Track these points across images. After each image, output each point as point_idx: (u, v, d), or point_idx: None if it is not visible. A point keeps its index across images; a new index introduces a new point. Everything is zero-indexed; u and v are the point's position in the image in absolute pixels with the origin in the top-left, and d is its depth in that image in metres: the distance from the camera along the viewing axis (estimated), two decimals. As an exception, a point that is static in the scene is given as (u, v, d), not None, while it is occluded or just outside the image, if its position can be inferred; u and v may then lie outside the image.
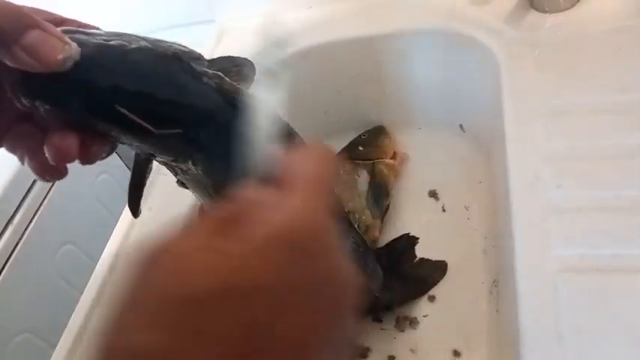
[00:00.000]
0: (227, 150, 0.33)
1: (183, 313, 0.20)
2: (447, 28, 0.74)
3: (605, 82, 0.58)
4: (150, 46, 0.37)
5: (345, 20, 0.81)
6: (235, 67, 0.43)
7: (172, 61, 0.37)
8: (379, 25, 0.78)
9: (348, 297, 0.25)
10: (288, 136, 0.40)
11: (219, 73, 0.40)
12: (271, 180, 0.26)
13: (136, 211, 0.47)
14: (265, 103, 0.31)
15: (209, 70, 0.39)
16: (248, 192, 0.25)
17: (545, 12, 0.68)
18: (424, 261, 0.72)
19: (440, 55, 0.77)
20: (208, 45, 0.88)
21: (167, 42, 0.38)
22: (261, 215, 0.23)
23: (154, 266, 0.21)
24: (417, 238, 0.73)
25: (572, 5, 0.67)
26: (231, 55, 0.44)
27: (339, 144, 0.85)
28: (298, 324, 0.21)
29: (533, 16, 0.69)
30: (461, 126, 0.84)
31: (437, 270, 0.71)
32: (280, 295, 0.21)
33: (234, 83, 0.40)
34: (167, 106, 0.37)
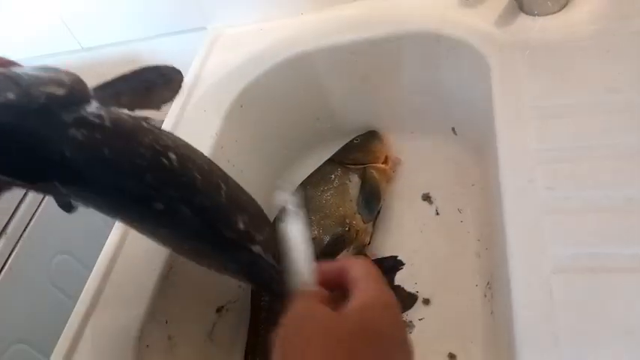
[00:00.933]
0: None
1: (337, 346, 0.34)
2: (437, 32, 0.74)
3: (595, 84, 0.59)
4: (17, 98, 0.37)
5: (336, 26, 0.82)
6: (162, 77, 0.44)
7: (36, 116, 0.37)
8: (370, 30, 0.79)
9: (411, 347, 0.38)
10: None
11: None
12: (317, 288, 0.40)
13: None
14: (295, 232, 0.42)
15: (84, 113, 0.39)
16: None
17: (534, 15, 0.68)
18: (399, 289, 0.71)
19: (431, 58, 0.78)
20: (200, 52, 0.88)
21: (43, 83, 0.38)
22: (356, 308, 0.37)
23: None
24: (403, 265, 0.73)
25: (561, 8, 0.67)
26: (159, 65, 0.45)
27: (331, 149, 0.86)
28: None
29: (523, 19, 0.69)
30: (453, 129, 0.84)
31: (406, 300, 0.70)
32: (380, 338, 0.36)
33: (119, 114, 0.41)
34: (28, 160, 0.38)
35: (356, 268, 0.39)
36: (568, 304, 0.44)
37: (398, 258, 0.74)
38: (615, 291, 0.44)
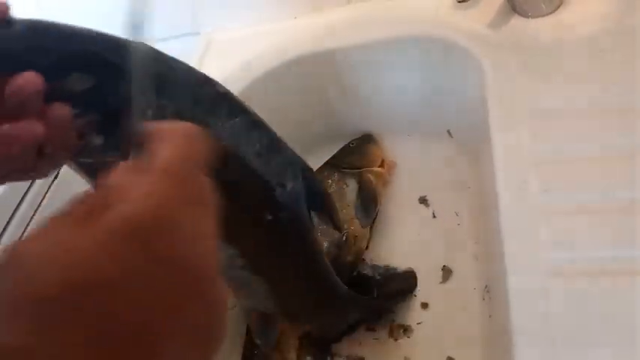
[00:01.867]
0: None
1: (35, 312, 0.21)
2: (431, 34, 0.74)
3: (589, 85, 0.59)
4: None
5: (330, 30, 0.82)
6: None
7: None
8: (364, 33, 0.78)
9: (199, 285, 0.25)
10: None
11: None
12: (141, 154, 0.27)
13: None
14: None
15: None
16: (114, 175, 0.26)
17: (527, 17, 0.68)
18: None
19: (425, 61, 0.78)
20: (194, 58, 0.88)
21: None
22: (114, 204, 0.23)
23: (7, 267, 0.22)
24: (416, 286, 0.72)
25: (555, 10, 0.67)
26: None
27: (327, 153, 0.85)
28: (142, 312, 0.22)
29: (516, 21, 0.69)
30: (448, 131, 0.84)
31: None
32: (122, 285, 0.22)
33: None
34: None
35: (163, 145, 0.27)
36: (565, 308, 0.44)
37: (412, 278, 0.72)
38: (612, 294, 0.44)
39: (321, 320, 0.66)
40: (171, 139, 0.27)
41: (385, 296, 0.70)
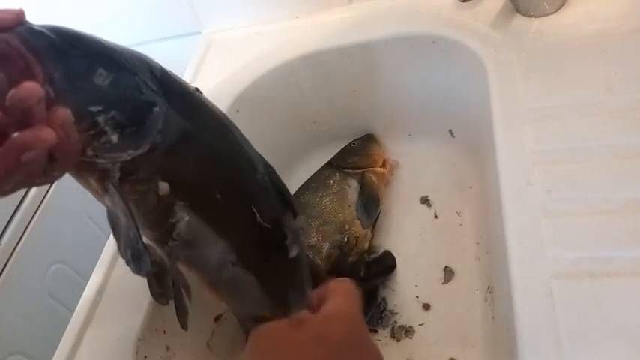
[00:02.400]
0: None
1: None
2: (433, 34, 0.74)
3: (592, 85, 0.58)
4: None
5: (331, 29, 0.81)
6: None
7: None
8: (366, 33, 0.78)
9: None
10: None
11: None
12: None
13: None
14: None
15: None
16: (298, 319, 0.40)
17: (530, 16, 0.68)
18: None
19: (427, 60, 0.77)
20: (195, 57, 0.88)
21: None
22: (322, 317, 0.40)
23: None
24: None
25: (558, 9, 0.67)
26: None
27: (329, 153, 0.85)
28: None
29: (519, 20, 0.69)
30: (450, 131, 0.84)
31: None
32: (342, 348, 0.37)
33: None
34: None
35: (334, 287, 0.43)
36: (569, 309, 0.44)
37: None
38: (616, 294, 0.43)
39: None
40: (342, 288, 0.43)
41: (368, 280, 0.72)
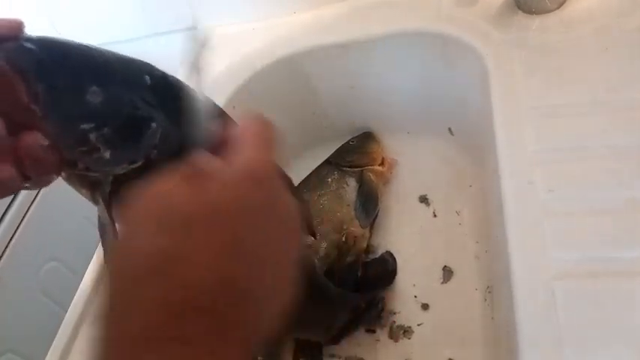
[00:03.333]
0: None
1: (181, 228, 0.26)
2: (433, 30, 0.73)
3: (594, 83, 0.58)
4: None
5: (329, 25, 0.80)
6: None
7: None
8: (364, 28, 0.77)
9: (297, 224, 0.33)
10: (221, 115, 0.40)
11: None
12: (216, 148, 0.33)
13: None
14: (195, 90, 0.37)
15: None
16: (202, 157, 0.31)
17: (531, 13, 0.67)
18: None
19: (426, 57, 0.77)
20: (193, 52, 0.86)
21: None
22: (224, 166, 0.30)
23: (149, 200, 0.28)
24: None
25: (559, 6, 0.66)
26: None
27: (327, 150, 0.84)
28: (262, 242, 0.29)
29: (520, 17, 0.68)
30: (449, 129, 0.83)
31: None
32: (249, 218, 0.28)
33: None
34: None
35: (247, 129, 0.33)
36: (571, 310, 0.43)
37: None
38: (619, 295, 0.43)
39: (311, 322, 0.64)
40: (255, 126, 0.33)
41: (367, 283, 0.70)
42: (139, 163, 0.35)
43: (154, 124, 0.35)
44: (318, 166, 0.82)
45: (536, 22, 0.67)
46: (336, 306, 0.64)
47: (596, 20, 0.64)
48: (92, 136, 0.32)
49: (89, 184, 0.36)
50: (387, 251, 0.74)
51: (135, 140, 0.35)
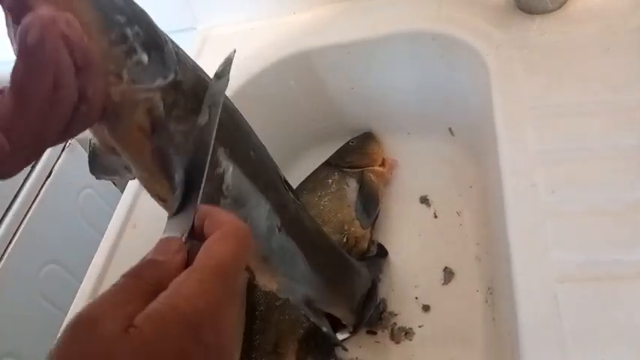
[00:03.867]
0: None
1: None
2: (433, 30, 0.73)
3: (595, 83, 0.57)
4: None
5: (329, 26, 0.80)
6: None
7: None
8: (365, 29, 0.77)
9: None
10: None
11: None
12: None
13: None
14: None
15: None
16: (166, 256, 0.30)
17: (532, 13, 0.67)
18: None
19: (427, 58, 0.76)
20: (190, 53, 0.86)
21: None
22: (170, 296, 0.27)
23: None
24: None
25: (560, 6, 0.66)
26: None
27: (327, 151, 0.84)
28: None
29: (521, 17, 0.68)
30: (450, 130, 0.83)
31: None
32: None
33: None
34: None
35: (211, 244, 0.30)
36: (574, 313, 0.43)
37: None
38: (622, 298, 0.43)
39: (343, 298, 0.64)
40: (226, 239, 0.31)
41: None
42: (171, 79, 0.38)
43: (168, 46, 0.38)
44: (319, 167, 0.82)
45: (536, 22, 0.66)
46: (354, 278, 0.64)
47: (597, 20, 0.63)
48: (128, 32, 0.35)
49: (142, 108, 0.37)
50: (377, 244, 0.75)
51: (160, 50, 0.37)
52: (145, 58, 0.35)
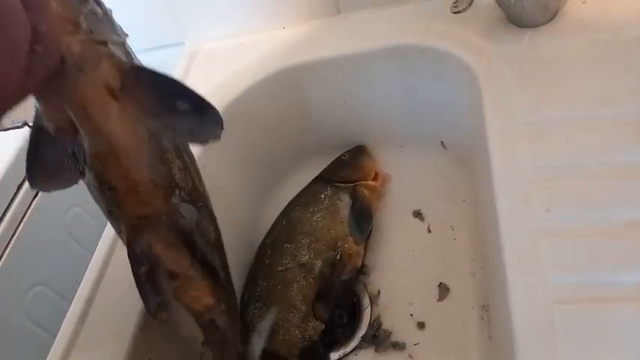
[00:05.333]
0: None
1: None
2: (424, 44, 0.72)
3: (587, 97, 0.57)
4: None
5: (319, 40, 0.79)
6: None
7: None
8: (355, 43, 0.76)
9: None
10: None
11: None
12: None
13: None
14: None
15: None
16: None
17: (523, 27, 0.67)
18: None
19: (418, 72, 0.76)
20: (179, 69, 0.85)
21: None
22: None
23: None
24: None
25: (551, 19, 0.66)
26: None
27: (319, 165, 0.83)
28: None
29: (512, 30, 0.67)
30: (442, 143, 0.82)
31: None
32: None
33: None
34: None
35: None
36: (571, 335, 0.42)
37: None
38: (619, 321, 0.42)
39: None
40: None
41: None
42: (123, 39, 0.40)
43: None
44: (310, 182, 0.81)
45: (527, 35, 0.66)
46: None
47: (588, 33, 0.63)
48: None
49: (108, 63, 0.36)
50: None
51: (108, 12, 0.39)
52: (98, 9, 0.37)
